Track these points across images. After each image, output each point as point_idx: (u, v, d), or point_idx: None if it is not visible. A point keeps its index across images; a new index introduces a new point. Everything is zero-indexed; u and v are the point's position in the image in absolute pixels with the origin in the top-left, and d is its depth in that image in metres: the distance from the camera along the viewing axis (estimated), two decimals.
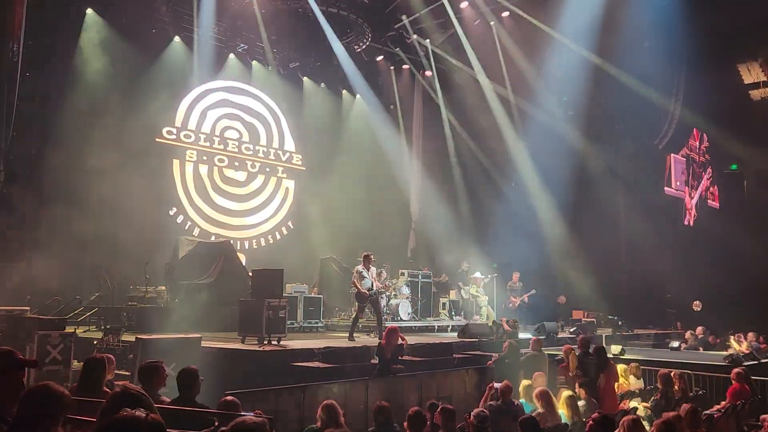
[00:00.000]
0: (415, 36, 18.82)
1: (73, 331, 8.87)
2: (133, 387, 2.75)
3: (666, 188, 22.17)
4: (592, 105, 18.64)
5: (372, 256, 12.50)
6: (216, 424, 4.45)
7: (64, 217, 13.59)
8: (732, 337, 15.01)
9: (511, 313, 16.66)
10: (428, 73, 20.05)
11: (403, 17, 17.93)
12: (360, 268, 12.16)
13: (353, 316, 12.69)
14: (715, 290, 18.42)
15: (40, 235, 13.26)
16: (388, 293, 15.42)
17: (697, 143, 23.99)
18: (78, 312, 12.17)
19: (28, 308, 10.82)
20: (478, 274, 16.48)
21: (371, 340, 11.52)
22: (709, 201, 24.39)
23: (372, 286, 12.10)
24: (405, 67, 20.15)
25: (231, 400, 4.82)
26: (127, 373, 7.99)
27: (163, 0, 15.73)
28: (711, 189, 24.64)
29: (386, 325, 13.83)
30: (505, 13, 17.55)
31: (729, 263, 19.15)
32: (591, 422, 4.73)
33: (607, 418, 5.37)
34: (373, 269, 12.43)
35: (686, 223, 22.91)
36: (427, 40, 19.00)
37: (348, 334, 11.91)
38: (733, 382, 8.50)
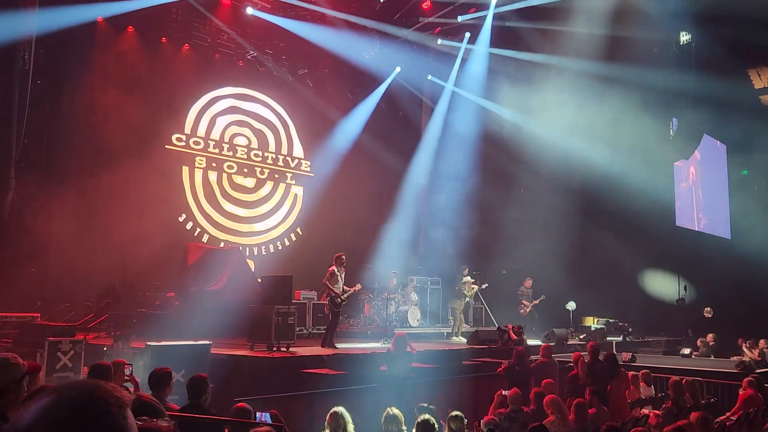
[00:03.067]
0: (424, 41, 18.88)
1: (83, 337, 8.90)
2: (146, 395, 2.76)
3: (675, 193, 22.06)
4: (599, 111, 18.58)
5: (344, 257, 11.80)
6: (226, 431, 4.47)
7: (74, 223, 13.66)
8: (744, 344, 14.91)
9: (522, 319, 16.65)
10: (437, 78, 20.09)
11: (415, 20, 17.93)
12: (334, 269, 11.52)
13: (330, 322, 11.82)
14: (726, 297, 18.28)
15: (51, 242, 13.32)
16: (396, 300, 15.42)
17: (707, 148, 23.87)
18: (88, 318, 12.22)
19: (39, 315, 10.90)
20: (469, 278, 16.27)
21: (380, 347, 11.49)
22: (717, 206, 24.27)
23: (342, 290, 11.51)
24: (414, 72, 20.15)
25: (243, 406, 4.82)
26: (137, 380, 7.99)
27: (174, 7, 15.81)
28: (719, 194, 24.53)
29: (395, 331, 13.87)
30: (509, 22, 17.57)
31: (740, 269, 19.00)
32: None
33: (615, 429, 5.35)
34: (343, 272, 11.75)
35: (694, 227, 22.77)
36: (438, 40, 19.01)
37: (322, 342, 11.31)
38: (745, 389, 8.44)
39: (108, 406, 1.16)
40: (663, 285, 19.04)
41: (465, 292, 16.01)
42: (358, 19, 17.05)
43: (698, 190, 23.46)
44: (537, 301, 17.14)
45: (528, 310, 17.07)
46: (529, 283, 17.39)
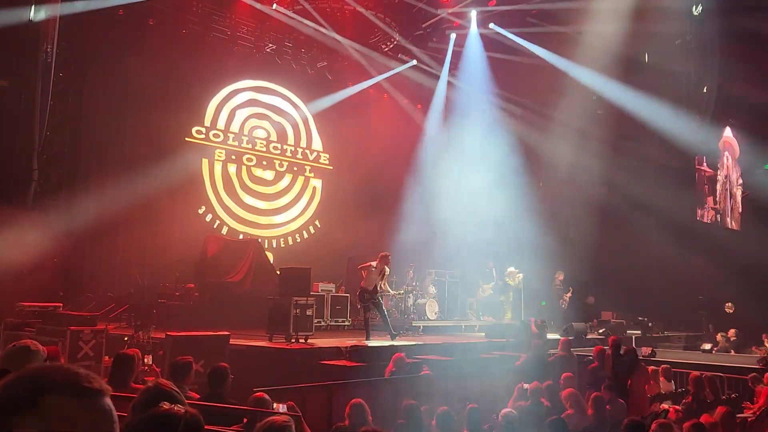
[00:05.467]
0: (445, 33, 18.80)
1: (104, 327, 9.00)
2: (167, 383, 2.79)
3: (704, 171, 21.69)
4: (621, 103, 18.41)
5: (387, 255, 12.06)
6: (245, 421, 4.51)
7: (95, 216, 13.81)
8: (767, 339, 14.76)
9: (557, 313, 16.64)
10: (455, 71, 20.00)
11: (435, 12, 17.85)
12: (371, 264, 11.78)
13: (364, 317, 12.17)
14: (747, 291, 18.07)
15: (73, 233, 13.47)
16: (414, 293, 15.42)
17: (730, 141, 23.50)
18: (109, 309, 12.35)
19: (62, 304, 11.03)
20: (512, 268, 16.39)
21: (399, 339, 11.52)
22: (738, 185, 23.90)
23: (376, 287, 11.74)
24: (432, 66, 20.06)
25: (262, 396, 4.86)
26: (157, 369, 8.08)
27: (194, 1, 15.89)
28: (741, 180, 24.06)
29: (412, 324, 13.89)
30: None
31: (762, 263, 18.77)
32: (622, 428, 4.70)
33: (638, 423, 5.31)
34: (386, 270, 12.02)
35: (717, 222, 22.46)
36: (453, 35, 18.91)
37: (365, 336, 11.56)
38: (766, 384, 8.35)
39: None
40: None
41: (510, 282, 16.06)
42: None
43: (728, 170, 23.03)
44: (567, 296, 17.13)
45: (565, 304, 17.04)
46: (561, 276, 17.33)
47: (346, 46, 17.95)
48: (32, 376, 1.19)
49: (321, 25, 16.89)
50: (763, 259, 18.16)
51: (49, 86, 12.46)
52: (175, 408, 1.97)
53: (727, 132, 22.72)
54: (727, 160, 23.19)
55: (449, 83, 20.24)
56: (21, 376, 1.19)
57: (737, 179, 23.44)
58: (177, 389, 2.72)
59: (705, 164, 21.63)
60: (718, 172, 22.54)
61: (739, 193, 23.09)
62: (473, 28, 18.09)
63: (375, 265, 11.74)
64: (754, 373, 9.38)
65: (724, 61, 17.85)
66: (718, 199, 22.31)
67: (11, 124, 12.66)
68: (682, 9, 16.09)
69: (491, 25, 17.72)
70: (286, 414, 4.59)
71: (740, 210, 22.94)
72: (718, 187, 22.52)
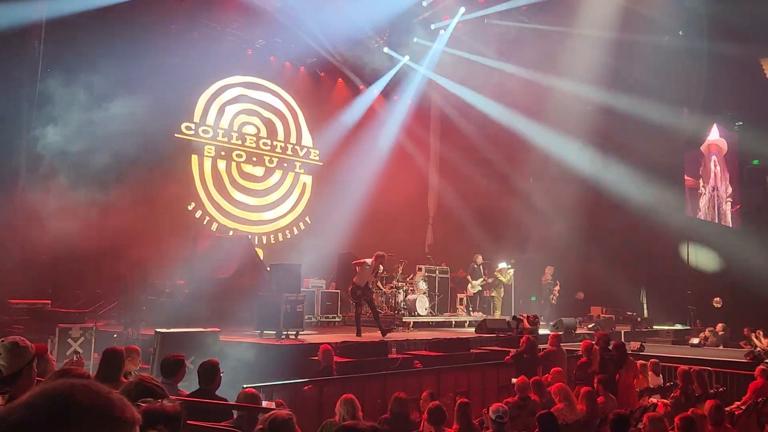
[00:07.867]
0: (432, 29, 18.81)
1: (93, 324, 8.96)
2: (149, 378, 2.78)
3: (686, 181, 21.82)
4: (610, 100, 18.49)
5: (383, 255, 12.13)
6: (235, 417, 4.50)
7: (84, 212, 13.73)
8: (752, 333, 14.88)
9: (548, 308, 16.69)
10: (447, 69, 20.02)
11: (421, 11, 17.86)
12: (365, 261, 11.90)
13: (355, 313, 12.27)
14: (735, 287, 18.21)
15: (61, 229, 13.39)
16: (405, 288, 15.44)
17: (718, 138, 23.58)
18: (98, 305, 12.29)
19: (50, 301, 10.98)
20: (504, 264, 16.47)
21: (390, 335, 11.55)
22: (728, 199, 23.95)
23: (368, 284, 11.89)
24: (423, 62, 20.06)
25: (251, 392, 4.85)
26: (146, 366, 8.05)
27: None
28: (730, 188, 24.07)
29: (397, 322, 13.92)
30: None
31: (750, 259, 18.92)
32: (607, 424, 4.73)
33: (624, 417, 5.36)
34: (380, 268, 12.22)
35: (702, 216, 22.56)
36: (440, 34, 18.92)
37: (356, 332, 11.63)
38: (757, 378, 8.43)
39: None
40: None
41: (502, 278, 16.11)
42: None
43: (715, 180, 23.07)
44: (556, 290, 17.18)
45: (555, 299, 17.07)
46: (550, 270, 17.38)
47: (336, 42, 17.92)
48: (60, 395, 1.08)
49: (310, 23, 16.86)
50: (753, 255, 18.32)
51: (37, 81, 12.37)
52: (163, 403, 1.97)
53: (714, 133, 22.62)
54: (715, 166, 23.06)
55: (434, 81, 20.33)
56: (48, 394, 1.08)
57: (726, 189, 23.15)
58: (158, 383, 2.71)
59: (685, 173, 21.40)
60: (701, 184, 22.20)
61: (728, 208, 22.89)
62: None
63: (369, 263, 11.78)
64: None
65: (712, 59, 17.94)
66: (703, 216, 21.93)
67: None
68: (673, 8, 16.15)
69: (486, 21, 17.75)
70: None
71: (730, 226, 22.71)
72: (703, 201, 22.22)
